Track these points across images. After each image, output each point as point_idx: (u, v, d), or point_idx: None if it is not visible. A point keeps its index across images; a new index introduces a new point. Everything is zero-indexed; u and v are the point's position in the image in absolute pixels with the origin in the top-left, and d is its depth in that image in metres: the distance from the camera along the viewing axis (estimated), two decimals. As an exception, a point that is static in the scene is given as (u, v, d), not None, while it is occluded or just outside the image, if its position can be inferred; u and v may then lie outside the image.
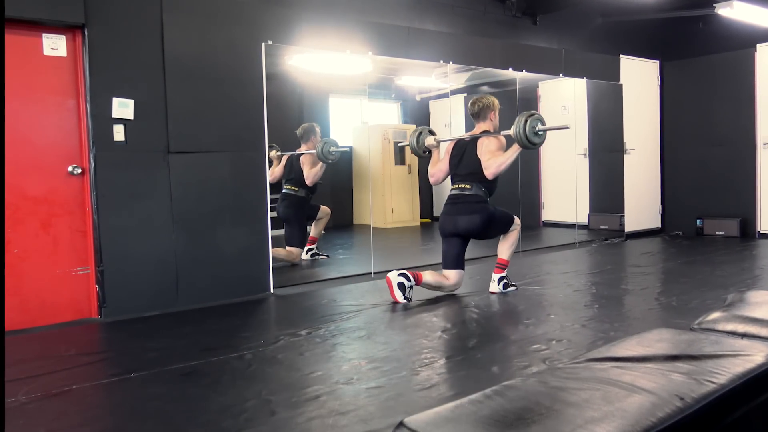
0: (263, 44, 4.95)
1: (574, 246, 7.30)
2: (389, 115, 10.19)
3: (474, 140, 4.62)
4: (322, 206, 6.47)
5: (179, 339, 3.77)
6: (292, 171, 6.26)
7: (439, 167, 4.81)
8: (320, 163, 6.04)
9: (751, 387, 1.78)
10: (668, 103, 8.34)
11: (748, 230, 7.61)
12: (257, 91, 4.94)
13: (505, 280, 4.80)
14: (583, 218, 8.07)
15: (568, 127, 4.56)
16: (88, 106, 4.21)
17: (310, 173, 6.09)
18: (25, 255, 4.09)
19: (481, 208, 4.51)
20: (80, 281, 4.30)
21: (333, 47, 5.45)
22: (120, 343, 3.86)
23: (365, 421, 2.46)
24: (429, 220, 9.72)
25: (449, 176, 4.79)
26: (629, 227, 7.96)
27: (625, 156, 7.93)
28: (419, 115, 10.07)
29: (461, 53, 6.43)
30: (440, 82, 8.15)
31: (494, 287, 4.78)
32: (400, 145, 5.44)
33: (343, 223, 9.37)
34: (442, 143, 4.91)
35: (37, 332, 3.99)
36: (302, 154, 6.17)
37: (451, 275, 4.65)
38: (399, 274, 4.50)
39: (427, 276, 4.60)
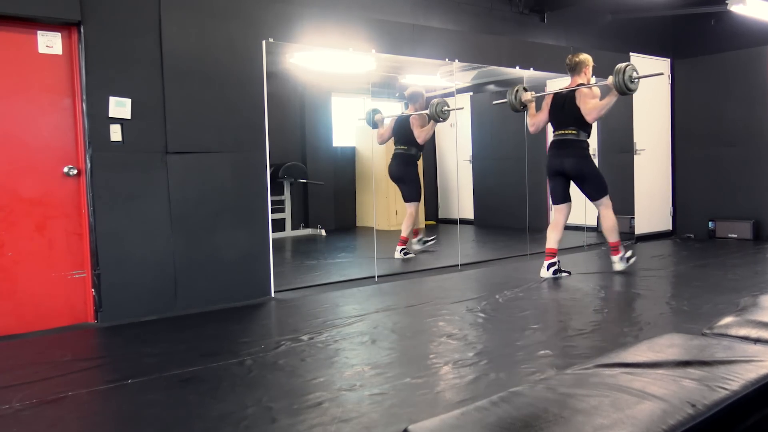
0: (264, 42, 4.96)
1: (582, 249, 7.30)
2: (393, 115, 10.18)
3: (572, 92, 5.37)
4: (419, 198, 6.87)
5: (178, 344, 3.77)
6: (401, 132, 6.80)
7: (539, 118, 5.61)
8: (431, 123, 6.62)
9: (764, 393, 1.77)
10: (679, 103, 8.32)
11: (761, 233, 7.59)
12: (258, 90, 4.95)
13: (627, 256, 5.70)
14: (591, 220, 8.05)
15: (662, 74, 5.06)
16: (84, 105, 4.22)
17: (422, 132, 6.68)
18: (20, 258, 4.10)
19: (583, 154, 5.43)
20: (76, 285, 4.31)
21: (335, 45, 5.46)
22: (117, 348, 3.87)
23: (368, 428, 2.46)
24: (434, 222, 9.72)
25: (547, 125, 5.67)
26: (639, 229, 7.95)
27: (635, 157, 7.92)
28: (423, 114, 10.06)
29: (467, 51, 6.43)
30: (445, 81, 8.15)
31: (619, 267, 5.65)
32: (494, 102, 6.23)
33: (346, 226, 9.38)
34: (537, 97, 5.65)
35: (32, 337, 3.99)
36: (410, 115, 6.71)
37: (562, 208, 5.58)
38: (548, 269, 5.46)
39: (553, 242, 5.52)
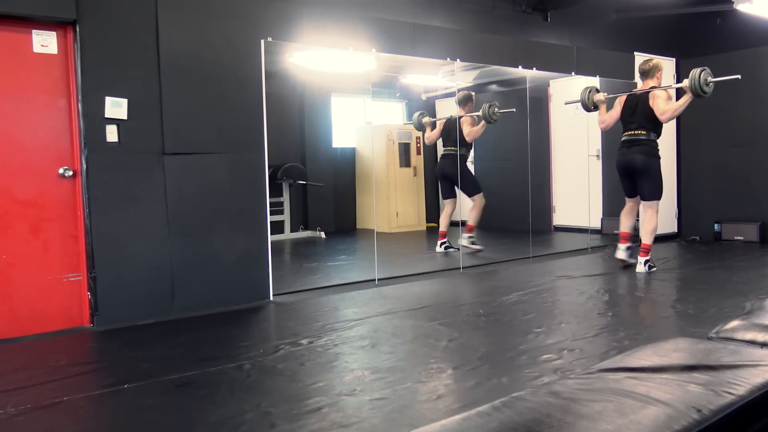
0: (262, 41, 4.96)
1: (586, 251, 7.30)
2: (394, 115, 10.21)
3: (644, 94, 5.78)
4: (480, 191, 7.18)
5: (175, 348, 3.77)
6: (452, 132, 7.16)
7: (611, 116, 6.09)
8: (482, 123, 7.02)
9: (771, 399, 1.77)
10: (685, 102, 8.31)
11: (768, 235, 7.60)
12: (256, 90, 4.95)
13: (651, 264, 5.88)
14: (595, 222, 8.07)
15: (738, 77, 5.47)
16: (79, 105, 4.23)
17: (471, 131, 7.06)
18: (14, 261, 4.10)
19: (653, 153, 5.79)
20: (72, 288, 4.31)
21: (335, 44, 5.46)
22: (113, 352, 3.87)
23: (368, 434, 2.46)
24: (435, 225, 9.72)
25: (615, 123, 6.11)
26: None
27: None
28: (425, 114, 10.07)
29: (469, 50, 6.44)
30: (447, 81, 8.16)
31: (639, 269, 5.85)
32: (566, 103, 7.03)
33: (346, 228, 9.39)
34: (609, 98, 6.16)
35: (27, 341, 4.00)
36: (460, 117, 7.12)
37: (635, 200, 6.08)
38: (625, 251, 5.96)
39: (627, 227, 6.07)
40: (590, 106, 6.28)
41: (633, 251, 6.05)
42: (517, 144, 7.57)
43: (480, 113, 6.97)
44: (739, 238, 7.73)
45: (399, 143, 9.31)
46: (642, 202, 6.02)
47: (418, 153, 9.48)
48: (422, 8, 6.42)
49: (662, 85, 5.87)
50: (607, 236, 8.03)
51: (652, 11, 7.74)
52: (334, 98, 9.44)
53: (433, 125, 7.54)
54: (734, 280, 5.40)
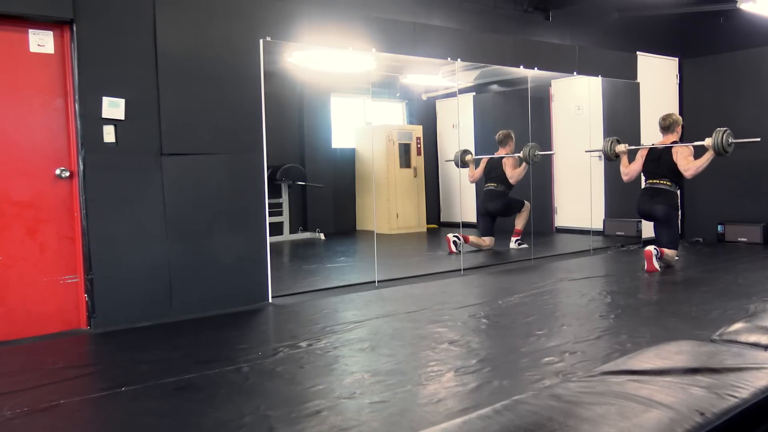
0: (261, 40, 4.97)
1: (588, 253, 7.30)
2: (394, 115, 10.21)
3: (668, 148, 6.17)
4: (525, 202, 7.56)
5: (173, 351, 3.77)
6: (493, 170, 7.55)
7: (633, 168, 6.40)
8: (523, 165, 7.33)
9: (775, 402, 1.77)
10: (688, 103, 8.32)
11: (772, 237, 7.59)
12: (255, 90, 4.95)
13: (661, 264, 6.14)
14: (598, 224, 8.07)
15: (758, 140, 6.03)
16: (76, 105, 4.23)
17: (514, 174, 7.42)
18: (11, 263, 4.10)
19: (674, 204, 6.22)
20: (68, 290, 4.31)
21: (335, 44, 5.47)
22: (110, 355, 3.87)
23: (368, 437, 2.46)
24: (436, 226, 9.73)
25: (638, 174, 6.43)
26: (647, 233, 7.90)
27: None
28: (425, 114, 10.09)
29: (470, 50, 6.44)
30: (447, 81, 8.18)
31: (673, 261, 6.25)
32: (586, 151, 7.56)
33: (346, 229, 9.39)
34: (630, 150, 6.48)
35: (23, 344, 3.99)
36: (503, 157, 7.46)
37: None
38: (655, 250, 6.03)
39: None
40: (612, 156, 6.60)
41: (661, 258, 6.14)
42: (518, 144, 7.58)
43: (521, 155, 7.26)
44: (743, 239, 7.73)
45: (399, 144, 9.31)
46: (659, 246, 6.12)
47: (419, 154, 9.49)
48: (422, 7, 6.42)
49: (684, 143, 6.27)
50: (610, 237, 8.04)
51: (655, 10, 7.74)
52: (333, 98, 9.45)
53: (477, 163, 7.82)
54: (738, 282, 5.40)
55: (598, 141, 7.86)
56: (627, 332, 3.87)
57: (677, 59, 8.31)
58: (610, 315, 4.38)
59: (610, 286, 5.40)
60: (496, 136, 7.59)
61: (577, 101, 8.04)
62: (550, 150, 8.24)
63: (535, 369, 3.22)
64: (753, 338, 2.29)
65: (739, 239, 7.77)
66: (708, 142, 5.86)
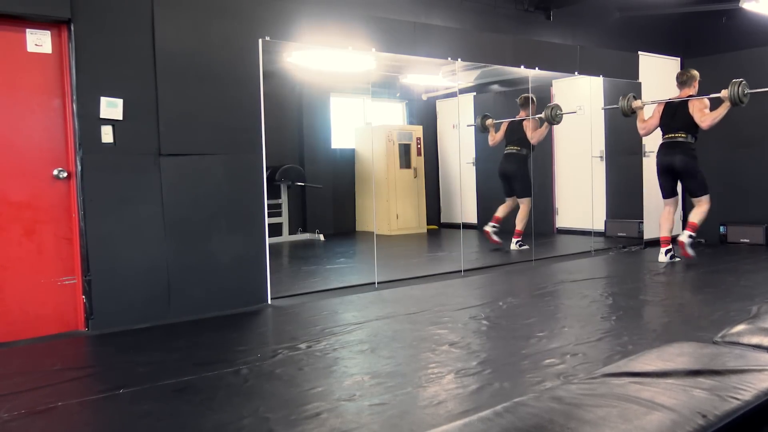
0: (260, 40, 4.97)
1: (589, 254, 7.30)
2: (394, 115, 10.22)
3: (684, 102, 6.34)
4: (523, 203, 7.58)
5: (171, 353, 3.78)
6: (514, 134, 7.64)
7: (650, 123, 6.65)
8: (545, 125, 7.46)
9: (778, 404, 1.77)
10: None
11: (774, 238, 7.59)
12: (254, 90, 4.96)
13: (692, 240, 6.39)
14: (599, 225, 8.07)
15: None
16: (74, 105, 4.23)
17: (536, 134, 7.55)
18: (8, 264, 4.10)
19: (692, 154, 6.34)
20: (66, 292, 4.31)
21: (334, 43, 5.47)
22: (108, 357, 3.87)
23: (368, 440, 2.46)
24: (436, 227, 9.73)
25: (656, 129, 6.62)
26: (648, 234, 7.93)
27: (644, 159, 7.91)
28: (425, 115, 10.09)
29: (470, 50, 6.44)
30: (448, 81, 8.18)
31: (684, 238, 6.37)
32: (602, 108, 7.58)
33: (345, 230, 9.39)
34: (647, 106, 6.72)
35: (21, 346, 3.99)
36: (524, 119, 7.55)
37: (671, 201, 6.65)
38: (665, 255, 6.46)
39: (666, 232, 6.58)
40: (628, 112, 6.77)
41: (673, 253, 6.47)
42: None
43: (543, 115, 7.32)
44: (745, 240, 7.73)
45: (399, 144, 9.32)
46: (693, 199, 6.47)
47: (419, 154, 9.49)
48: (423, 7, 6.42)
49: (701, 95, 6.34)
50: (611, 238, 8.04)
51: (657, 10, 7.74)
52: (333, 98, 9.45)
53: (497, 127, 7.88)
54: (740, 283, 5.40)
55: (599, 141, 7.90)
56: (628, 334, 3.87)
57: (679, 59, 8.31)
58: (611, 316, 4.38)
59: (611, 288, 5.40)
60: (518, 99, 7.68)
61: (578, 101, 8.02)
62: (552, 148, 8.23)
63: (536, 371, 3.22)
64: (755, 340, 2.29)
65: (741, 240, 7.77)
66: (724, 93, 5.99)
